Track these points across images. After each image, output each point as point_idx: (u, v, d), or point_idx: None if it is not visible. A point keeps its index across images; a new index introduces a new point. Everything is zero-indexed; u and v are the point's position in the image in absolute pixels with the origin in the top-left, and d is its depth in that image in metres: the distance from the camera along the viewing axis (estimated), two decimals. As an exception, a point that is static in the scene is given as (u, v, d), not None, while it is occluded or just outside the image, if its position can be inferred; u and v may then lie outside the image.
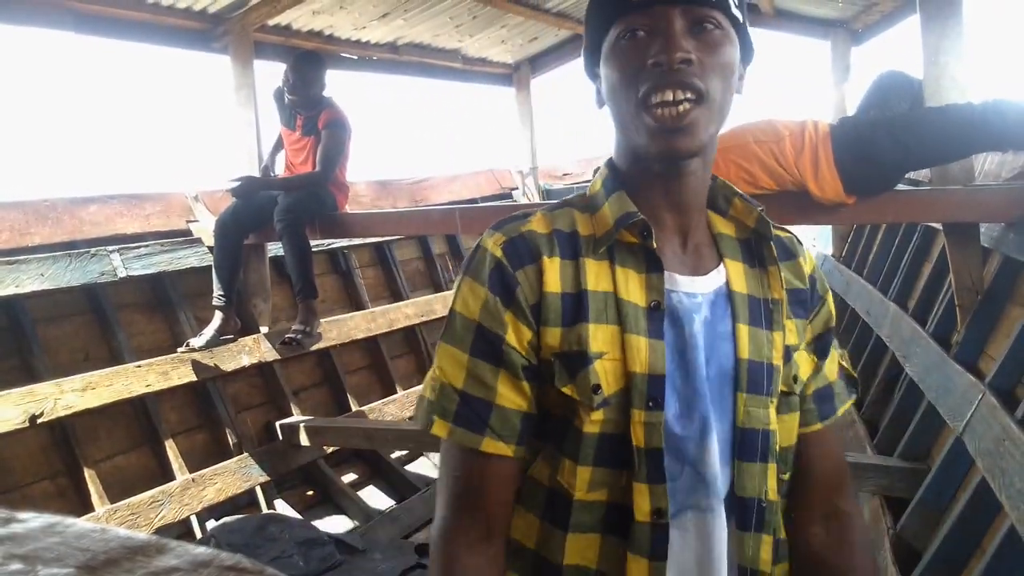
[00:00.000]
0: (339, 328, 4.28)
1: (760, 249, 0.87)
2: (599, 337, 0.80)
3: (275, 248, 3.91)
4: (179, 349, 3.45)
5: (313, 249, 3.63)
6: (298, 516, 3.61)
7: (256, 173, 3.78)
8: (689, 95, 0.75)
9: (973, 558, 2.05)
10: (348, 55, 4.81)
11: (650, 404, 0.79)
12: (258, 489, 3.68)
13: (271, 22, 4.00)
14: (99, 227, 3.66)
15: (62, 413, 3.04)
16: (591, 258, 0.83)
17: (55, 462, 3.18)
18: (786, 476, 0.87)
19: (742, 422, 0.81)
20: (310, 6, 3.97)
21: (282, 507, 3.75)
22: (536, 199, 5.85)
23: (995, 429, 2.05)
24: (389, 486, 4.17)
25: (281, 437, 3.84)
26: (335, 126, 3.63)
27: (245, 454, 3.67)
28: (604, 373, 0.79)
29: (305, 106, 3.66)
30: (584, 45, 0.86)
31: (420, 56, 5.10)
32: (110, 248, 3.49)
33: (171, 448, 3.48)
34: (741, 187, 2.72)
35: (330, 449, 4.04)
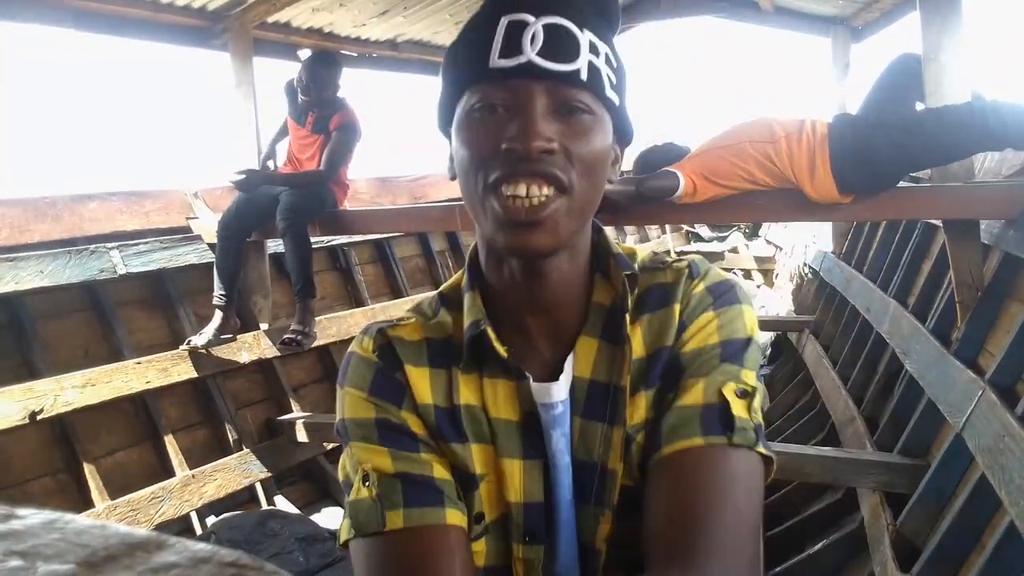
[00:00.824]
0: (339, 325, 4.28)
1: (616, 320, 0.72)
2: (478, 458, 0.72)
3: (275, 245, 3.91)
4: (181, 348, 3.45)
5: (313, 246, 3.63)
6: (298, 512, 3.61)
7: (256, 168, 3.77)
8: (546, 190, 0.64)
9: (973, 554, 2.05)
10: (348, 52, 4.81)
11: (527, 538, 0.71)
12: (258, 485, 3.69)
13: (270, 19, 4.00)
14: (99, 224, 3.66)
15: (62, 409, 3.04)
16: (460, 368, 0.73)
17: (55, 458, 3.18)
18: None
19: (585, 536, 0.71)
20: (310, 3, 3.96)
21: (282, 503, 3.76)
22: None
23: (995, 425, 2.05)
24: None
25: (281, 433, 3.84)
26: (347, 130, 3.62)
27: (245, 450, 3.68)
28: (487, 497, 0.72)
29: (319, 105, 3.65)
30: (438, 99, 0.74)
31: (420, 53, 5.09)
32: (110, 245, 3.50)
33: (171, 444, 3.48)
34: (739, 183, 2.73)
35: (330, 445, 4.04)
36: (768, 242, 7.95)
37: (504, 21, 0.66)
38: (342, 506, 3.87)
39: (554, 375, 0.72)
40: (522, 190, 0.64)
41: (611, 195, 2.87)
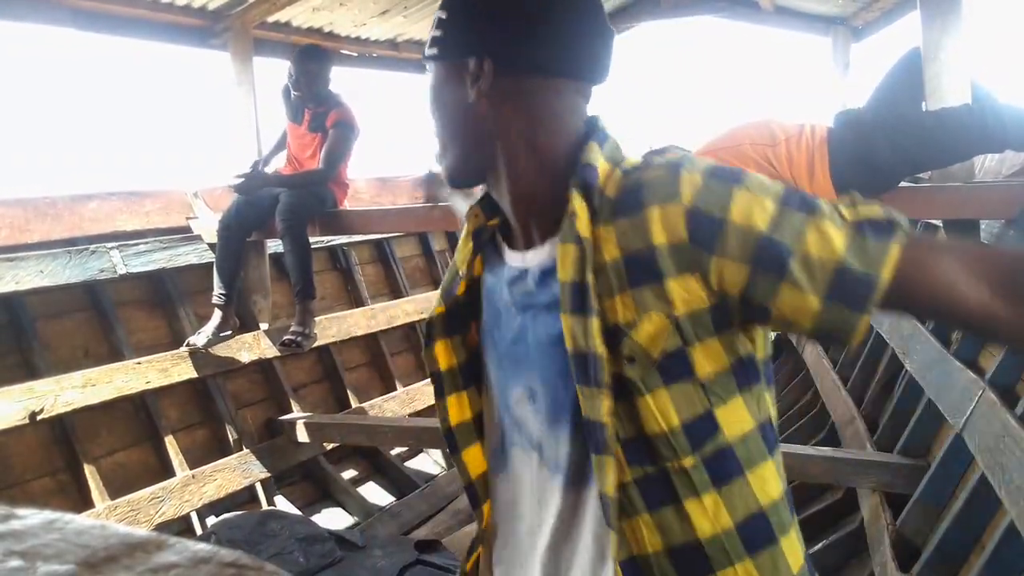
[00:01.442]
0: (339, 325, 4.28)
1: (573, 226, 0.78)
2: None
3: (275, 245, 3.91)
4: (180, 348, 3.45)
5: (313, 246, 3.64)
6: (298, 512, 3.61)
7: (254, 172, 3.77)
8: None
9: (973, 554, 2.05)
10: (348, 52, 4.81)
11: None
12: (258, 485, 3.69)
13: (271, 19, 4.00)
14: (99, 224, 3.66)
15: (62, 410, 3.04)
16: None
17: (55, 458, 3.18)
18: (681, 462, 0.74)
19: (584, 413, 0.77)
20: (310, 2, 3.96)
21: (282, 503, 3.76)
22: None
23: (995, 426, 2.05)
24: (389, 482, 4.17)
25: (281, 434, 3.84)
26: (344, 127, 3.62)
27: (245, 450, 3.68)
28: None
29: (312, 100, 3.65)
30: None
31: (420, 53, 5.08)
32: (110, 245, 3.50)
33: (171, 444, 3.48)
34: None
35: (330, 446, 4.04)
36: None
37: None
38: (342, 506, 3.89)
39: (518, 246, 0.88)
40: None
41: None
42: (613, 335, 0.75)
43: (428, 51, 0.85)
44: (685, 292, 0.72)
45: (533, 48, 0.80)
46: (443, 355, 0.91)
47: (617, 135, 0.84)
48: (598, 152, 0.79)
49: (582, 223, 0.76)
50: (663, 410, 0.74)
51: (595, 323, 0.74)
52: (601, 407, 0.74)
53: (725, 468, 0.75)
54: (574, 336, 0.76)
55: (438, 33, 0.84)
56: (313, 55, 3.68)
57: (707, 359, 0.74)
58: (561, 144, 0.82)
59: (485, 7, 0.82)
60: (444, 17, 0.83)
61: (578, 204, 0.76)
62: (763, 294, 0.70)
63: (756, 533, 0.76)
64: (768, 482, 0.77)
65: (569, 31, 0.81)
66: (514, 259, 0.86)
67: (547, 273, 0.81)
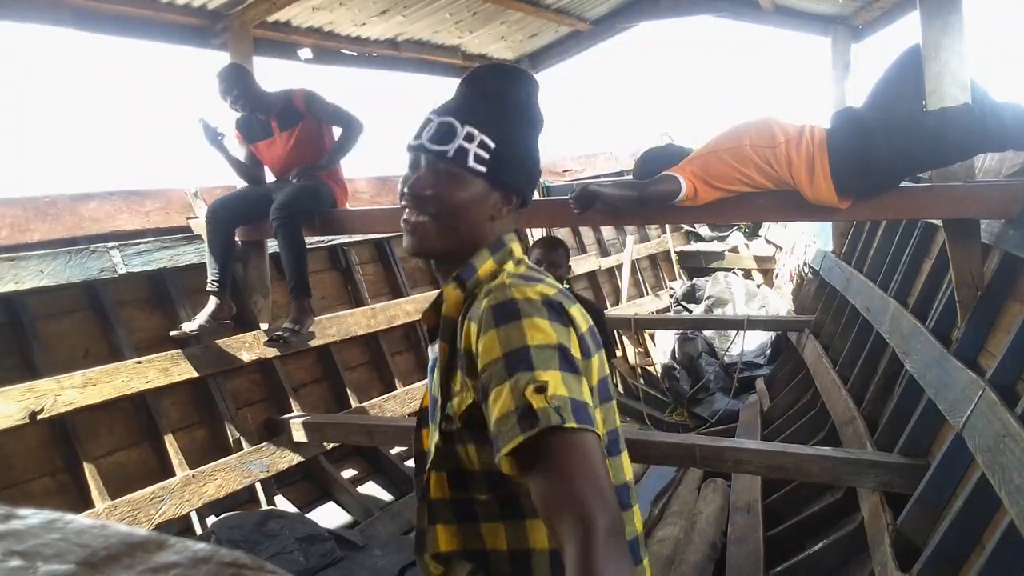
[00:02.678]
0: (339, 324, 4.28)
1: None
2: None
3: (275, 245, 3.90)
4: (172, 333, 3.44)
5: (313, 245, 3.63)
6: (298, 512, 3.61)
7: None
8: (421, 217, 1.08)
9: (973, 553, 2.05)
10: (348, 51, 4.81)
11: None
12: (258, 485, 3.69)
13: (270, 18, 4.00)
14: (99, 224, 3.66)
15: (62, 409, 3.04)
16: None
17: (55, 458, 3.18)
18: (479, 495, 1.05)
19: (425, 445, 1.13)
20: (310, 2, 3.97)
21: (282, 503, 3.76)
22: (536, 196, 5.84)
23: (995, 425, 2.05)
24: (389, 482, 4.18)
25: (281, 433, 3.84)
26: (313, 97, 3.60)
27: (245, 450, 3.68)
28: None
29: (263, 106, 3.59)
30: None
31: (420, 53, 5.09)
32: (110, 244, 3.50)
33: (171, 444, 3.48)
34: (738, 186, 2.73)
35: (330, 445, 4.04)
36: (768, 242, 7.96)
37: (424, 117, 1.12)
38: (342, 505, 3.89)
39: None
40: (409, 215, 1.10)
41: (614, 200, 2.88)
42: (446, 395, 1.05)
43: (475, 165, 1.06)
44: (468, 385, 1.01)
45: (531, 191, 1.18)
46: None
47: (514, 251, 1.12)
48: (486, 258, 1.09)
49: (447, 306, 1.07)
50: (470, 455, 1.02)
51: (436, 387, 1.08)
52: (431, 439, 1.07)
53: (511, 508, 1.02)
54: (433, 389, 1.09)
55: (485, 156, 1.07)
56: (238, 69, 3.57)
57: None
58: (493, 239, 1.12)
59: (521, 160, 1.12)
60: (492, 147, 1.07)
61: (450, 291, 1.07)
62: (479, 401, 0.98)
63: (522, 561, 1.02)
64: (540, 532, 1.01)
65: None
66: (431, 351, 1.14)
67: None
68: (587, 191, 2.90)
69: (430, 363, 1.13)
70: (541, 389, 0.88)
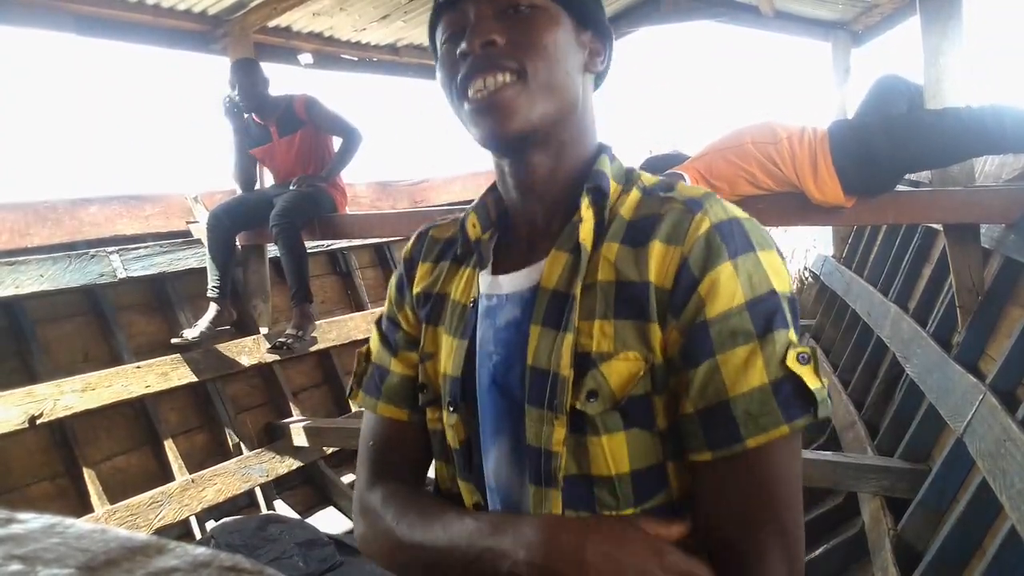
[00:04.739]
0: (339, 329, 4.28)
1: (576, 233, 0.74)
2: (428, 337, 0.84)
3: (275, 249, 3.91)
4: (173, 340, 3.45)
5: (313, 250, 3.63)
6: (298, 517, 3.60)
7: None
8: (501, 77, 0.71)
9: (974, 559, 2.05)
10: (348, 57, 4.82)
11: (451, 407, 0.78)
12: (257, 490, 3.68)
13: (271, 24, 4.01)
14: (99, 228, 3.66)
15: (62, 414, 3.04)
16: (449, 261, 0.86)
17: (55, 463, 3.18)
18: (624, 511, 0.69)
19: (528, 439, 0.71)
20: (310, 8, 3.97)
21: (282, 508, 3.76)
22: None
23: (996, 430, 2.05)
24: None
25: (281, 438, 3.84)
26: (314, 104, 3.61)
27: (245, 455, 3.67)
28: (430, 373, 0.83)
29: (267, 108, 3.61)
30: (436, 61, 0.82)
31: (420, 58, 5.10)
32: (110, 249, 3.50)
33: (171, 449, 3.48)
34: (742, 186, 2.73)
35: (330, 450, 4.04)
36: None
37: None
38: (342, 510, 3.88)
39: (509, 267, 0.79)
40: (479, 83, 0.72)
41: None
42: (580, 362, 0.69)
43: None
44: (663, 339, 0.68)
45: (611, 55, 0.82)
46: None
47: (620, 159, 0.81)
48: (608, 165, 0.77)
49: (586, 231, 0.72)
50: (616, 454, 0.69)
51: (568, 341, 0.69)
52: (552, 435, 0.69)
53: None
54: (537, 351, 0.71)
55: None
56: (251, 65, 3.60)
57: (665, 411, 0.68)
58: (591, 146, 0.80)
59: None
60: None
61: (586, 210, 0.73)
62: (676, 369, 0.67)
63: None
64: None
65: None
66: (501, 281, 0.79)
67: (517, 301, 0.76)
68: None
69: (491, 313, 0.77)
70: (808, 360, 0.64)
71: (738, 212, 0.70)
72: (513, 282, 0.77)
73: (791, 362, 0.63)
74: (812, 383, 0.63)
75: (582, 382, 0.69)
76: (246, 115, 3.64)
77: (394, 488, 0.81)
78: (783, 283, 0.67)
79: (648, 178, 0.78)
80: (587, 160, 0.78)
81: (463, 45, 0.73)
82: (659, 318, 0.67)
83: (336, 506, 3.92)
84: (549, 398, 0.69)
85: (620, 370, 0.68)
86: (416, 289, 0.86)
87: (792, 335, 0.65)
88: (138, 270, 3.56)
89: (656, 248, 0.68)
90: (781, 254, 0.69)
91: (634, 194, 0.75)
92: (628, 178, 0.78)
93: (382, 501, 0.80)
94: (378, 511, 0.79)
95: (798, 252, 6.73)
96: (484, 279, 0.80)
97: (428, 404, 0.83)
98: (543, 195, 0.77)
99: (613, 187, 0.75)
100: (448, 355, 0.80)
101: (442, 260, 0.86)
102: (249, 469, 3.64)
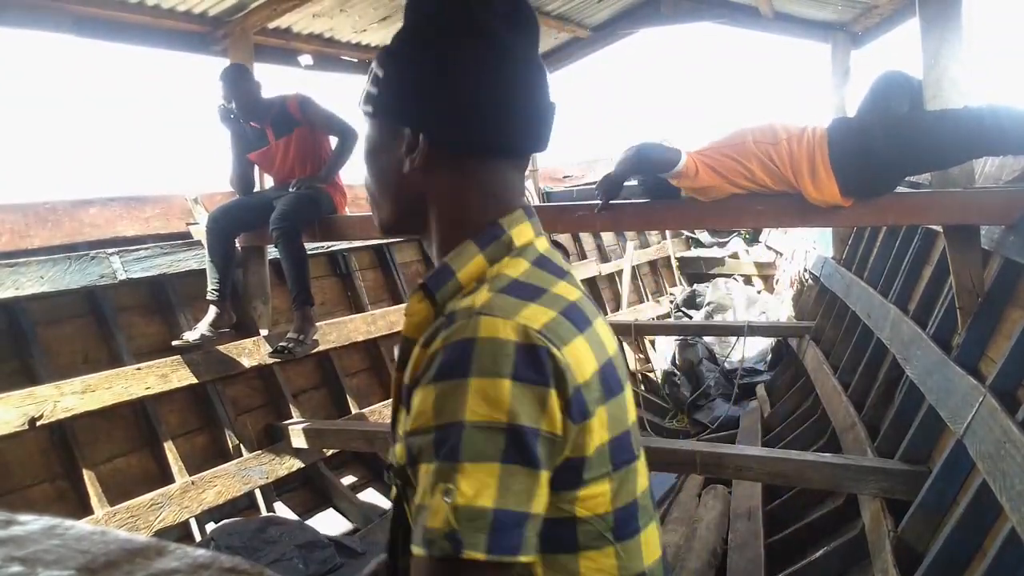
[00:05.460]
0: (339, 330, 4.28)
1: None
2: None
3: (275, 251, 3.91)
4: (174, 343, 3.45)
5: (313, 251, 3.62)
6: (297, 519, 3.60)
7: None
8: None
9: (974, 560, 2.05)
10: (348, 58, 4.82)
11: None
12: (257, 492, 3.68)
13: (271, 25, 4.01)
14: (99, 229, 3.66)
15: (62, 415, 3.04)
16: None
17: (54, 464, 3.17)
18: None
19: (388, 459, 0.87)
20: (310, 9, 3.98)
21: (281, 510, 3.75)
22: (536, 202, 5.84)
23: (996, 432, 2.05)
24: (389, 489, 4.16)
25: (281, 439, 3.83)
26: (308, 102, 3.59)
27: (245, 456, 3.67)
28: None
29: (260, 111, 3.60)
30: None
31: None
32: (110, 251, 3.50)
33: (170, 450, 3.47)
34: (740, 182, 2.73)
35: (330, 452, 4.04)
36: (768, 248, 7.95)
37: None
38: (342, 512, 3.88)
39: None
40: None
41: (618, 175, 2.85)
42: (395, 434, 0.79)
43: (364, 106, 0.83)
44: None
45: (467, 130, 0.77)
46: None
47: (518, 235, 0.79)
48: (464, 257, 0.78)
49: (409, 325, 0.79)
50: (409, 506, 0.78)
51: (401, 416, 0.78)
52: (395, 451, 0.79)
53: None
54: (394, 387, 0.82)
55: (374, 91, 0.82)
56: (239, 71, 3.59)
57: None
58: (483, 222, 0.80)
59: (420, 83, 0.78)
60: (381, 77, 0.81)
61: (417, 303, 0.78)
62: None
63: None
64: None
65: (505, 112, 0.77)
66: None
67: None
68: (608, 178, 2.89)
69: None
70: (448, 494, 0.63)
71: (487, 332, 0.67)
72: None
73: (435, 498, 0.64)
74: (431, 521, 0.64)
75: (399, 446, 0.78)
76: (242, 121, 3.63)
77: None
78: (478, 412, 0.65)
79: (498, 271, 0.76)
80: (453, 247, 0.79)
81: None
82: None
83: (336, 508, 3.92)
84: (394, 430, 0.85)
85: (400, 451, 0.76)
86: None
87: (458, 471, 0.64)
88: (138, 272, 3.56)
89: (416, 351, 0.73)
90: (523, 379, 0.66)
91: (482, 292, 0.73)
92: (490, 261, 0.78)
93: None
94: None
95: (798, 253, 6.73)
96: None
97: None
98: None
99: (457, 280, 0.77)
100: None
101: None
102: (249, 471, 3.63)
